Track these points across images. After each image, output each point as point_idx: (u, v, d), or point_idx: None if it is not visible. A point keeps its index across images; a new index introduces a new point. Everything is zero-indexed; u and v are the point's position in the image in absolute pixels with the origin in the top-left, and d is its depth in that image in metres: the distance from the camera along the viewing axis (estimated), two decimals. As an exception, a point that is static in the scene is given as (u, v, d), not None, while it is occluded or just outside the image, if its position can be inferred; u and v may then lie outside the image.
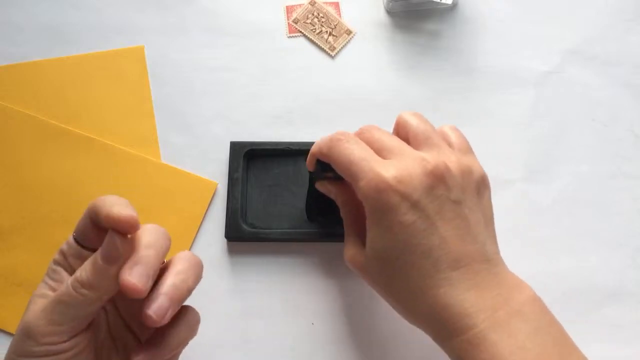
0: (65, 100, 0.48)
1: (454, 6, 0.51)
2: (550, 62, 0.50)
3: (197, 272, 0.32)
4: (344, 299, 0.44)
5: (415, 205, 0.32)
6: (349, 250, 0.37)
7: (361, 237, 0.37)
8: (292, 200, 0.45)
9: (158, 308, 0.29)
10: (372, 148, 0.35)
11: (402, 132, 0.37)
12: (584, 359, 0.32)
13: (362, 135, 0.36)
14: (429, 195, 0.32)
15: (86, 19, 0.50)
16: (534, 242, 0.45)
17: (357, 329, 0.43)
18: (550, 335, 0.31)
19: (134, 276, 0.28)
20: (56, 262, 0.32)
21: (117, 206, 0.29)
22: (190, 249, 0.45)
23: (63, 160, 0.46)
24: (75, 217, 0.32)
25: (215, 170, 0.46)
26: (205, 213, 0.45)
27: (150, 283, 0.29)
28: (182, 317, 0.32)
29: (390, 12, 0.51)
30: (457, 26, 0.51)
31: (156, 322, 0.29)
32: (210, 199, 0.46)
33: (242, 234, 0.43)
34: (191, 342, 0.33)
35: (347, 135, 0.36)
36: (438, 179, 0.33)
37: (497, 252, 0.34)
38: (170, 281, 0.30)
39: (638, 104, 0.49)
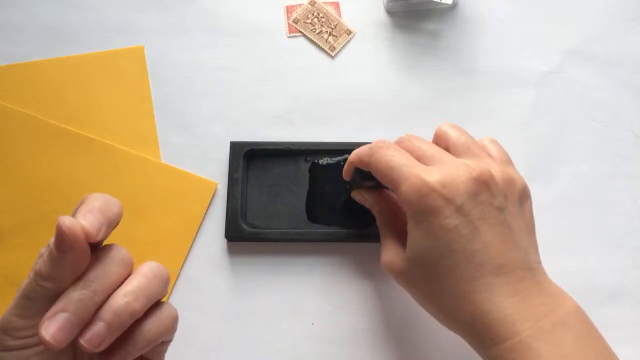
0: (65, 100, 0.48)
1: (454, 6, 0.51)
2: (550, 62, 0.50)
3: (151, 291, 0.30)
4: (344, 299, 0.44)
5: (459, 209, 0.32)
6: (387, 255, 0.37)
7: (398, 243, 0.37)
8: (292, 200, 0.45)
9: (92, 337, 0.28)
10: (413, 156, 0.35)
11: (441, 142, 0.37)
12: None
13: (402, 144, 0.37)
14: (472, 201, 0.32)
15: (86, 19, 0.50)
16: (534, 242, 0.45)
17: (357, 329, 0.43)
18: (593, 347, 0.32)
19: (88, 335, 0.27)
20: (41, 255, 0.31)
21: (83, 211, 0.29)
22: (190, 249, 0.45)
23: (63, 160, 0.46)
24: (75, 217, 0.32)
25: (215, 170, 0.46)
26: (205, 213, 0.45)
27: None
28: (153, 313, 0.31)
29: (390, 12, 0.51)
30: (457, 26, 0.51)
31: (90, 351, 0.28)
32: (210, 199, 0.46)
33: (242, 234, 0.43)
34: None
35: (387, 143, 0.36)
36: (482, 185, 0.33)
37: (539, 262, 0.34)
38: (113, 305, 0.29)
39: (638, 104, 0.49)
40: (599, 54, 0.50)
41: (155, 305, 0.31)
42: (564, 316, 0.32)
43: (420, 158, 0.35)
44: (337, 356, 0.42)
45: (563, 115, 0.48)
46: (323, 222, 0.44)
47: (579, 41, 0.50)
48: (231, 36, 0.50)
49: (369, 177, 0.37)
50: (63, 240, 0.27)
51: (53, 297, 0.28)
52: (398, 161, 0.35)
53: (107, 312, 0.28)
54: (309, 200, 0.45)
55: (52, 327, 0.27)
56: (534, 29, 0.51)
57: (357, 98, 0.49)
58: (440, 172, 0.33)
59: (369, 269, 0.44)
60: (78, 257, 0.28)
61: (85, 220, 0.28)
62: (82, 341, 0.28)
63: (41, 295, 0.28)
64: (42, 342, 0.27)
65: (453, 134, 0.37)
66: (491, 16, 0.51)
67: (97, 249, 0.30)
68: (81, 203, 0.30)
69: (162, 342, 0.32)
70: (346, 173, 0.40)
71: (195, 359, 0.42)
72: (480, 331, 0.32)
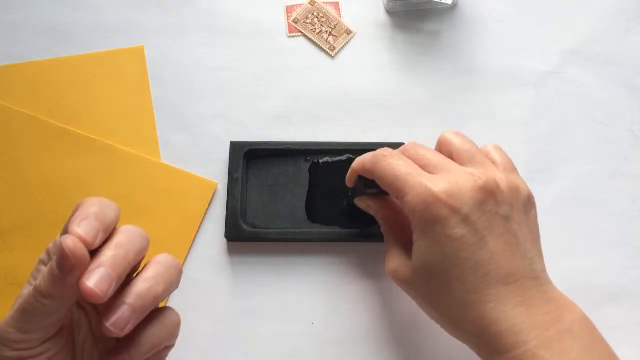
0: (65, 100, 0.48)
1: (454, 6, 0.51)
2: (550, 62, 0.50)
3: (170, 279, 0.30)
4: (344, 299, 0.44)
5: (465, 219, 0.32)
6: (392, 263, 0.37)
7: (403, 251, 0.37)
8: (292, 200, 0.45)
9: (117, 320, 0.27)
10: (417, 164, 0.35)
11: (445, 150, 0.37)
12: None
13: (407, 153, 0.36)
14: (479, 210, 0.32)
15: (86, 19, 0.50)
16: (534, 242, 0.45)
17: (357, 329, 0.43)
18: (600, 356, 0.32)
19: (92, 281, 0.26)
20: (41, 262, 0.31)
21: (79, 218, 0.28)
22: (190, 249, 0.45)
23: (63, 160, 0.46)
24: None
25: (215, 170, 0.46)
26: (205, 213, 0.45)
27: (113, 287, 0.27)
28: (157, 318, 0.30)
29: (390, 12, 0.51)
30: (457, 26, 0.51)
31: (115, 335, 0.28)
32: (210, 199, 0.46)
33: (242, 234, 0.43)
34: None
35: (391, 152, 0.36)
36: (488, 194, 0.33)
37: (545, 270, 0.34)
38: (135, 289, 0.28)
39: (638, 104, 0.49)
40: (599, 54, 0.50)
41: (159, 310, 0.31)
42: (570, 325, 0.32)
43: (425, 167, 0.35)
44: (337, 356, 0.42)
45: (563, 115, 0.48)
46: (323, 222, 0.44)
47: (579, 41, 0.50)
48: (231, 36, 0.50)
49: (373, 185, 0.37)
50: (65, 262, 0.27)
51: (52, 314, 0.28)
52: (403, 170, 0.34)
53: (131, 295, 0.28)
54: (309, 200, 0.45)
55: (94, 279, 0.27)
56: (534, 29, 0.51)
57: (357, 98, 0.49)
58: (445, 182, 0.33)
59: (369, 269, 0.44)
60: (80, 275, 0.27)
61: (81, 228, 0.27)
62: (108, 324, 0.27)
63: (40, 312, 0.28)
64: (85, 294, 0.26)
65: (457, 142, 0.36)
66: (491, 16, 0.51)
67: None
68: (76, 209, 0.29)
69: (165, 347, 0.31)
70: (349, 181, 0.40)
71: (195, 359, 0.42)
72: (487, 341, 0.32)
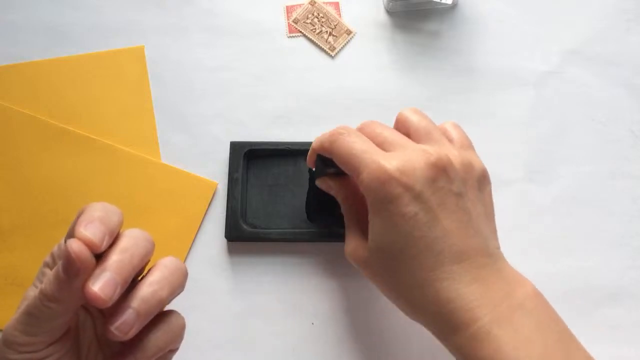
0: (65, 100, 0.48)
1: (454, 6, 0.51)
2: (550, 62, 0.50)
3: (175, 282, 0.30)
4: (344, 299, 0.44)
5: (417, 196, 0.32)
6: (350, 244, 0.37)
7: (362, 232, 0.37)
8: (292, 200, 0.45)
9: (122, 324, 0.28)
10: (374, 142, 0.35)
11: (402, 128, 0.37)
12: (588, 356, 0.32)
13: (364, 130, 0.36)
14: (431, 187, 0.32)
15: (86, 19, 0.50)
16: (534, 242, 0.45)
17: (357, 329, 0.43)
18: (553, 331, 0.31)
19: (97, 285, 0.26)
20: (46, 265, 0.31)
21: (84, 221, 0.28)
22: (190, 249, 0.45)
23: (63, 160, 0.46)
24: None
25: (215, 170, 0.46)
26: (205, 213, 0.45)
27: (118, 292, 0.27)
28: (163, 322, 0.31)
29: (390, 12, 0.51)
30: (457, 26, 0.51)
31: (120, 338, 0.28)
32: (210, 199, 0.46)
33: (242, 234, 0.43)
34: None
35: (348, 130, 0.36)
36: (440, 170, 0.33)
37: (498, 247, 0.34)
38: (140, 293, 0.28)
39: (638, 104, 0.49)
40: (599, 54, 0.50)
41: (164, 313, 0.31)
42: (522, 300, 0.32)
43: (381, 144, 0.35)
44: (337, 356, 0.42)
45: (563, 115, 0.48)
46: (323, 222, 0.44)
47: (579, 41, 0.50)
48: (231, 36, 0.50)
49: (331, 164, 0.37)
50: (71, 266, 0.27)
51: (58, 317, 0.28)
52: (359, 148, 0.34)
53: (135, 299, 0.28)
54: (308, 200, 0.45)
55: (99, 283, 0.27)
56: (534, 29, 0.51)
57: (357, 98, 0.49)
58: (399, 159, 0.33)
59: (369, 269, 0.44)
60: (85, 278, 0.27)
61: (87, 231, 0.27)
62: (112, 328, 0.27)
63: (46, 315, 0.28)
64: (90, 298, 0.26)
65: (414, 119, 0.36)
66: (491, 16, 0.51)
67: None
68: (80, 213, 0.29)
69: (169, 350, 0.31)
70: (309, 160, 0.40)
71: (195, 359, 0.42)
72: (442, 319, 0.32)
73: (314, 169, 0.41)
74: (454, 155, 0.34)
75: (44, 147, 0.46)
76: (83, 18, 0.50)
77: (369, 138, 0.35)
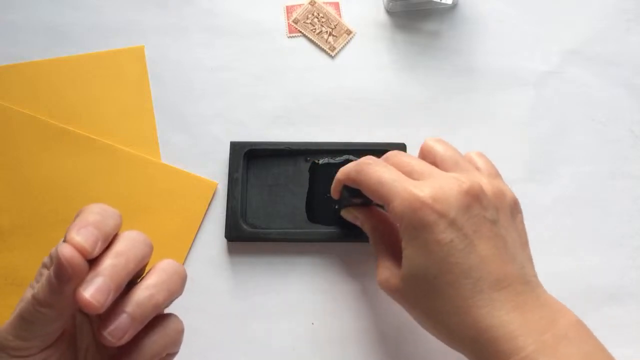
0: (65, 100, 0.48)
1: (454, 6, 0.51)
2: (550, 62, 0.50)
3: (172, 286, 0.30)
4: (344, 299, 0.44)
5: (452, 223, 0.32)
6: (382, 274, 0.37)
7: (392, 261, 0.37)
8: (292, 200, 0.45)
9: (115, 329, 0.27)
10: (401, 172, 0.35)
11: (428, 157, 0.37)
12: None
13: (390, 160, 0.36)
14: (465, 214, 0.32)
15: (86, 19, 0.50)
16: (534, 242, 0.45)
17: (357, 329, 0.43)
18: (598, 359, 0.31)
19: (89, 291, 0.26)
20: (44, 266, 0.31)
21: (77, 226, 0.27)
22: (190, 249, 0.45)
23: (63, 160, 0.46)
24: (75, 217, 0.31)
25: (215, 170, 0.46)
26: (205, 213, 0.45)
27: (110, 297, 0.27)
28: (160, 326, 0.30)
29: (390, 12, 0.51)
30: (457, 26, 0.51)
31: (113, 344, 0.27)
32: (210, 199, 0.46)
33: (242, 234, 0.43)
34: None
35: (374, 160, 0.36)
36: (473, 198, 0.33)
37: (535, 275, 0.34)
38: (135, 297, 0.28)
39: (638, 104, 0.49)
40: (599, 54, 0.50)
41: (162, 317, 0.31)
42: (566, 330, 0.31)
43: (409, 174, 0.35)
44: (337, 356, 0.42)
45: (563, 115, 0.48)
46: (323, 222, 0.44)
47: (579, 41, 0.50)
48: (231, 36, 0.50)
49: (358, 194, 0.37)
50: (62, 272, 0.26)
51: (51, 322, 0.28)
52: (388, 176, 0.34)
53: (130, 304, 0.28)
54: (309, 200, 0.45)
55: (90, 289, 0.26)
56: (534, 29, 0.51)
57: (357, 98, 0.49)
58: (431, 187, 0.33)
59: (369, 269, 0.44)
60: (78, 284, 0.27)
61: (79, 236, 0.27)
62: (105, 333, 0.27)
63: (39, 320, 0.27)
64: (81, 304, 0.26)
65: (440, 149, 0.36)
66: (491, 16, 0.51)
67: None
68: (77, 215, 0.29)
69: (167, 354, 0.31)
70: (334, 191, 0.40)
71: (195, 359, 0.42)
72: (482, 347, 0.31)
73: (338, 200, 0.41)
74: (485, 183, 0.34)
75: (44, 147, 0.46)
76: (83, 18, 0.50)
77: (396, 168, 0.35)
